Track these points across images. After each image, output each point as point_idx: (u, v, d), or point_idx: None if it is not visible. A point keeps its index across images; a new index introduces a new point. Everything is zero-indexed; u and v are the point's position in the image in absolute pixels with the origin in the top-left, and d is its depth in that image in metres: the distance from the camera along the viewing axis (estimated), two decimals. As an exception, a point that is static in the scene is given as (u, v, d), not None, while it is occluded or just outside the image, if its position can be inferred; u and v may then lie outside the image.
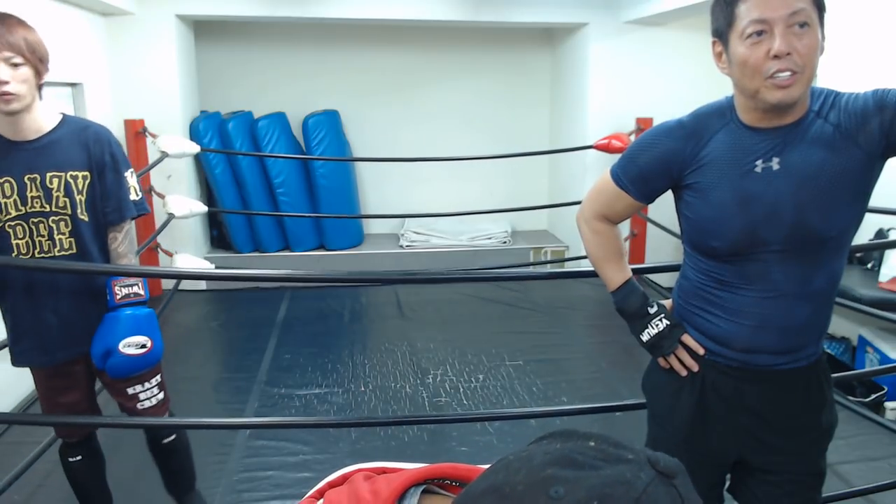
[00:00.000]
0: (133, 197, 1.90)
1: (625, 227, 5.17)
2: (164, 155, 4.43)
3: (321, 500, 0.59)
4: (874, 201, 1.28)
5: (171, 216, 4.49)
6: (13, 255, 1.78)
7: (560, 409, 2.62)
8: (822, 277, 1.26)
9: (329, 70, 5.76)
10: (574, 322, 4.54)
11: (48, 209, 1.78)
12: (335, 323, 4.47)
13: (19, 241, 1.78)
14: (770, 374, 1.30)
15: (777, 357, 1.29)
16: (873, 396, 3.16)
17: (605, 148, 4.91)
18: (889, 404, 3.12)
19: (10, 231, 1.77)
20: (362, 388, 3.45)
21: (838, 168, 1.20)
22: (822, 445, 1.38)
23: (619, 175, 1.38)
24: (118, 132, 4.69)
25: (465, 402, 3.31)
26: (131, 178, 1.91)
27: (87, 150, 1.80)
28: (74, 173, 1.79)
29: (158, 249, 4.80)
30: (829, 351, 3.51)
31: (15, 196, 1.74)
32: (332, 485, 0.62)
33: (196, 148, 4.62)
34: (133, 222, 1.96)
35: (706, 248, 1.30)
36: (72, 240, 1.84)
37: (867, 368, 3.19)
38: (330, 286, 5.03)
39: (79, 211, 1.81)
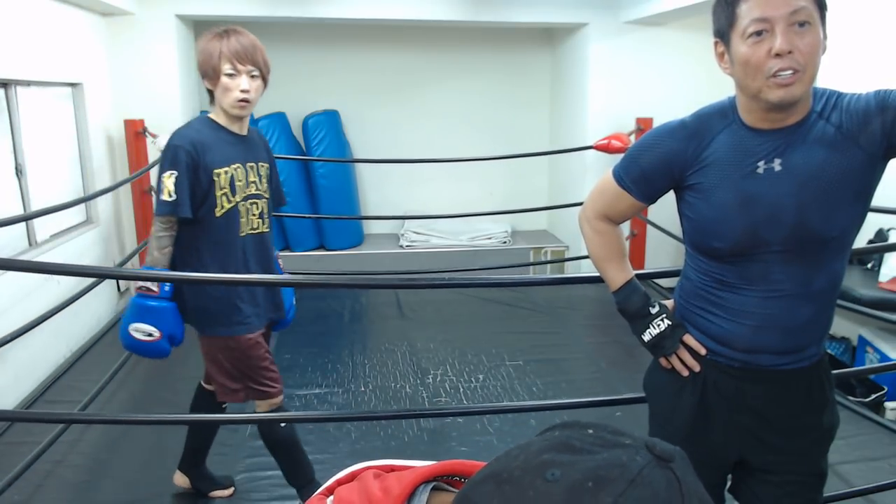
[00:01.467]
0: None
1: (625, 228, 5.17)
2: (164, 155, 4.43)
3: (331, 497, 0.59)
4: (874, 201, 1.28)
5: (171, 216, 4.48)
6: (240, 232, 2.07)
7: (558, 402, 2.60)
8: (824, 278, 1.26)
9: (329, 70, 5.76)
10: (574, 322, 4.54)
11: (259, 192, 2.11)
12: (335, 323, 4.46)
13: (242, 220, 2.07)
14: (772, 374, 1.30)
15: (779, 357, 1.29)
16: (873, 396, 3.16)
17: (605, 148, 4.91)
18: (889, 404, 3.12)
19: (242, 209, 2.06)
20: (362, 388, 3.45)
21: (840, 169, 1.19)
22: (824, 446, 1.38)
23: (621, 175, 1.38)
24: (118, 132, 4.69)
25: (465, 401, 3.31)
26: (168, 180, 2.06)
27: (264, 147, 2.20)
28: (264, 164, 2.15)
29: (158, 249, 4.79)
30: (829, 351, 3.51)
31: (245, 179, 2.06)
32: (341, 482, 0.63)
33: (196, 148, 4.61)
34: (158, 218, 2.11)
35: (708, 249, 1.30)
36: (268, 220, 2.16)
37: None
38: (329, 287, 5.03)
39: (268, 196, 2.16)
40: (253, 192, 2.08)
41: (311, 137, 5.35)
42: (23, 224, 3.56)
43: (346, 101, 5.73)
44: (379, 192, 5.97)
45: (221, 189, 2.01)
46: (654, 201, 1.40)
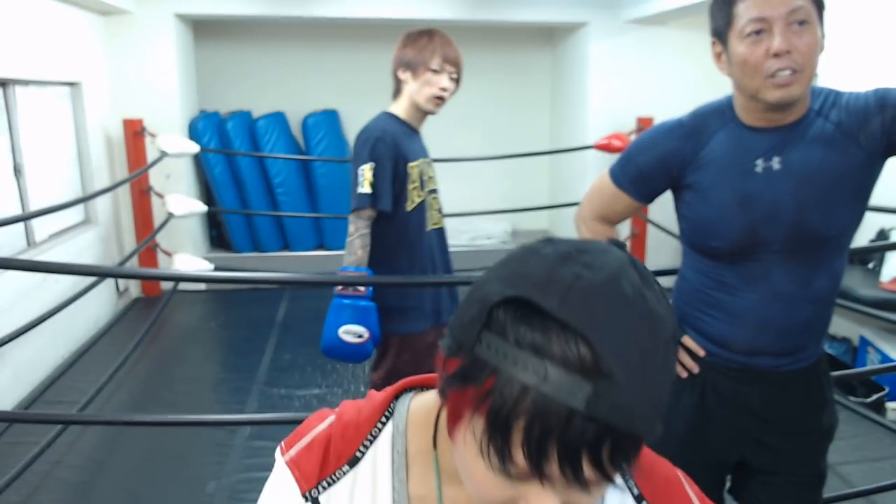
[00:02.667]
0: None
1: (625, 228, 5.16)
2: (163, 154, 4.42)
3: (332, 417, 0.67)
4: (874, 201, 1.27)
5: (170, 216, 4.49)
6: (426, 226, 2.07)
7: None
8: (823, 277, 1.25)
9: (329, 70, 5.75)
10: (574, 322, 4.52)
11: (436, 187, 2.14)
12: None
13: (427, 214, 2.08)
14: (770, 375, 1.30)
15: (777, 358, 1.28)
16: (874, 397, 3.15)
17: (606, 148, 4.90)
18: (890, 404, 3.11)
19: (429, 203, 2.08)
20: (362, 388, 3.44)
21: (839, 167, 1.19)
22: (823, 446, 1.37)
23: (618, 175, 1.37)
24: (117, 132, 4.69)
25: (464, 402, 3.30)
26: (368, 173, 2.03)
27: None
28: (429, 160, 2.13)
29: (157, 249, 4.79)
30: (829, 351, 3.50)
31: (428, 174, 2.08)
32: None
33: (195, 147, 4.61)
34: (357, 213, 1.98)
35: (706, 249, 1.30)
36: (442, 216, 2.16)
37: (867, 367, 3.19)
38: (330, 286, 5.02)
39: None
40: (433, 186, 2.11)
41: (310, 137, 5.34)
42: (21, 224, 3.56)
43: (345, 100, 5.72)
44: (379, 191, 5.96)
45: (413, 183, 2.00)
46: (651, 201, 1.39)
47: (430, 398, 0.65)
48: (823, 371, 1.35)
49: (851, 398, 3.18)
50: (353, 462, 0.63)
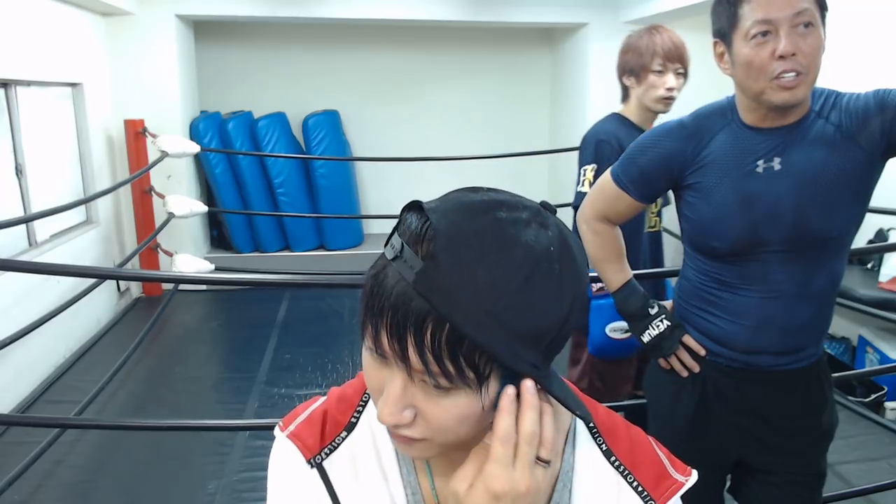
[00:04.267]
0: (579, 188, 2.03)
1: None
2: (164, 155, 4.43)
3: (325, 397, 0.71)
4: (874, 201, 1.28)
5: (171, 216, 4.49)
6: (642, 229, 2.04)
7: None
8: (823, 278, 1.26)
9: (329, 70, 5.75)
10: (574, 322, 4.53)
11: None
12: (335, 323, 4.46)
13: (644, 216, 2.03)
14: (771, 374, 1.30)
15: (778, 358, 1.29)
16: (873, 396, 3.15)
17: (605, 148, 4.90)
18: (889, 404, 3.12)
19: (647, 207, 2.04)
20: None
21: (839, 168, 1.19)
22: (823, 446, 1.38)
23: (619, 175, 1.37)
24: (118, 132, 4.69)
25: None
26: (589, 173, 2.04)
27: None
28: None
29: (158, 249, 4.80)
30: (829, 351, 3.51)
31: None
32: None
33: (196, 148, 4.62)
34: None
35: (707, 249, 1.30)
36: (660, 219, 2.11)
37: (867, 368, 3.19)
38: (330, 287, 5.02)
39: None
40: None
41: (310, 137, 5.35)
42: (23, 224, 3.56)
43: (345, 100, 5.73)
44: (379, 191, 5.97)
45: None
46: (652, 202, 1.40)
47: None
48: (824, 371, 1.35)
49: (850, 398, 3.18)
50: (350, 427, 0.67)
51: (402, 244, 0.53)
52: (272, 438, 0.70)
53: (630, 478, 0.66)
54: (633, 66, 2.02)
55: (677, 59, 1.97)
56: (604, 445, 0.67)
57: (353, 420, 0.68)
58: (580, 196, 1.97)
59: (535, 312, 0.52)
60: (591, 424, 0.67)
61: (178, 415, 3.09)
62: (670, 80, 1.96)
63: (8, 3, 3.38)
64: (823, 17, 1.16)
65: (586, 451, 0.67)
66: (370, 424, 0.68)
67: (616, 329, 1.93)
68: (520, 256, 0.51)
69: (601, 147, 2.01)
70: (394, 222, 0.59)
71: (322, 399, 0.71)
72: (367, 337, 0.55)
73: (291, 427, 0.68)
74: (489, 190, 0.58)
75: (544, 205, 0.58)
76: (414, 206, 0.56)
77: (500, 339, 0.51)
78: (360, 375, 0.70)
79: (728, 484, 1.47)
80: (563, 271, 0.53)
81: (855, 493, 2.17)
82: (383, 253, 0.56)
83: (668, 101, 2.00)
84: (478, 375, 0.52)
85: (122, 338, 4.04)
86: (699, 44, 5.67)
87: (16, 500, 2.43)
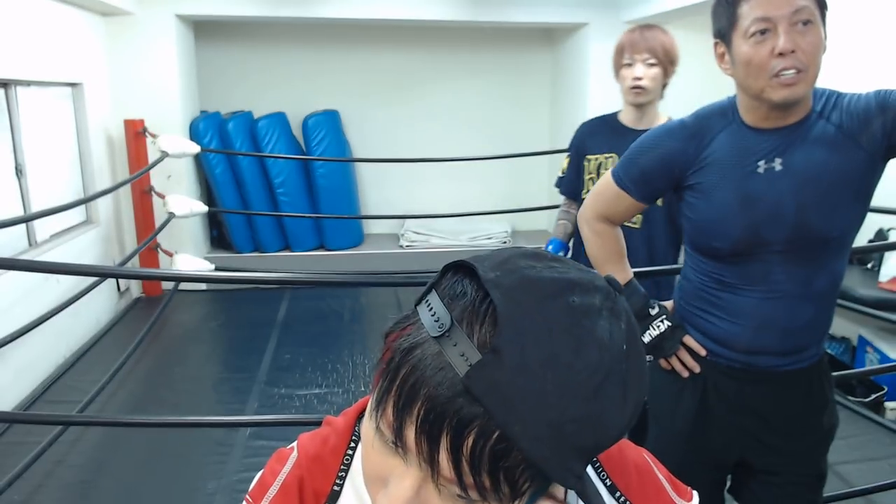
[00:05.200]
0: None
1: (625, 227, 5.16)
2: (164, 155, 4.43)
3: (294, 443, 0.64)
4: (874, 201, 1.28)
5: (171, 216, 4.49)
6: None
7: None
8: (824, 278, 1.26)
9: (329, 70, 5.75)
10: (574, 322, 4.52)
11: None
12: (335, 323, 4.46)
13: None
14: (772, 375, 1.30)
15: (779, 358, 1.29)
16: (873, 396, 3.15)
17: (606, 148, 4.90)
18: (889, 404, 3.12)
19: None
20: (362, 388, 3.44)
21: (840, 169, 1.19)
22: (824, 447, 1.38)
23: (620, 175, 1.37)
24: (118, 132, 4.69)
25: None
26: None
27: None
28: None
29: (158, 249, 4.80)
30: (828, 351, 3.51)
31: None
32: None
33: (196, 148, 4.61)
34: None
35: (708, 249, 1.30)
36: (641, 217, 2.08)
37: (867, 367, 3.19)
38: (330, 286, 5.03)
39: None
40: None
41: (310, 137, 5.35)
42: (23, 224, 3.56)
43: (345, 100, 5.72)
44: (379, 191, 5.97)
45: (589, 174, 2.14)
46: (654, 202, 1.40)
47: None
48: (825, 371, 1.35)
49: (850, 398, 3.18)
50: (334, 498, 0.59)
51: (452, 321, 0.44)
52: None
53: None
54: (614, 66, 2.11)
55: (644, 50, 1.99)
56: (608, 480, 0.63)
57: (336, 488, 0.60)
58: (557, 181, 2.27)
59: (600, 425, 0.44)
60: (596, 459, 0.63)
61: (179, 415, 3.09)
62: (637, 70, 2.00)
63: (8, 3, 3.38)
64: (823, 15, 1.15)
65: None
66: (356, 492, 0.59)
67: None
68: (595, 359, 0.43)
69: (573, 138, 2.24)
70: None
71: (291, 460, 0.62)
72: (383, 421, 0.46)
73: (264, 502, 0.59)
74: (553, 259, 0.48)
75: (611, 282, 0.49)
76: (464, 268, 0.47)
77: (557, 455, 0.43)
78: (335, 425, 0.63)
79: (729, 484, 1.47)
80: (631, 374, 0.45)
81: (855, 493, 2.17)
82: (418, 319, 0.46)
83: (636, 90, 2.03)
84: (514, 492, 0.44)
85: (122, 338, 4.04)
86: (699, 44, 5.67)
87: (16, 499, 2.43)
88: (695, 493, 0.67)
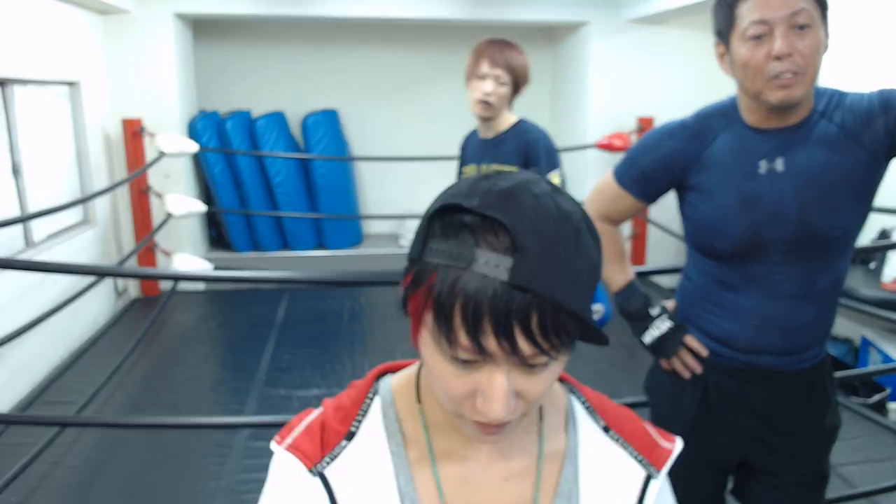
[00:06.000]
0: None
1: (626, 228, 5.16)
2: (163, 154, 4.42)
3: (320, 408, 0.72)
4: (877, 201, 1.27)
5: (169, 216, 4.48)
6: None
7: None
8: (827, 278, 1.25)
9: (328, 70, 5.74)
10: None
11: None
12: (334, 323, 4.45)
13: None
14: (774, 375, 1.29)
15: (781, 358, 1.28)
16: (876, 397, 3.14)
17: (606, 147, 4.90)
18: (892, 405, 3.11)
19: None
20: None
21: (843, 169, 1.18)
22: (826, 447, 1.37)
23: (621, 175, 1.37)
24: (116, 131, 4.68)
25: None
26: (555, 179, 2.13)
27: (522, 148, 2.15)
28: (506, 168, 2.13)
29: (156, 249, 4.79)
30: (831, 352, 3.50)
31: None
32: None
33: (194, 147, 4.60)
34: None
35: (709, 249, 1.29)
36: None
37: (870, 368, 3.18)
38: (329, 286, 5.01)
39: None
40: None
41: (310, 137, 5.33)
42: (20, 224, 3.55)
43: (345, 100, 5.71)
44: (378, 191, 5.96)
45: None
46: (654, 201, 1.39)
47: (408, 371, 0.73)
48: (827, 372, 1.35)
49: (853, 399, 3.17)
50: (350, 436, 0.68)
51: (472, 247, 0.54)
52: (272, 439, 0.70)
53: (629, 448, 0.71)
54: (467, 71, 2.17)
55: (502, 67, 2.11)
56: (601, 421, 0.72)
57: (353, 430, 0.68)
58: None
59: (592, 265, 0.57)
60: (587, 403, 0.73)
61: (177, 416, 3.08)
62: (487, 85, 2.10)
63: (5, 2, 3.36)
64: (824, 16, 1.14)
65: (587, 427, 0.72)
66: (370, 433, 0.68)
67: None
68: (573, 223, 0.56)
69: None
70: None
71: (317, 411, 0.71)
72: (459, 351, 0.55)
73: (289, 440, 0.68)
74: (497, 174, 0.59)
75: (536, 171, 0.63)
76: (448, 210, 0.57)
77: (586, 300, 0.56)
78: (356, 385, 0.72)
79: (730, 485, 1.46)
80: (587, 222, 0.58)
81: (858, 494, 2.16)
82: (436, 265, 0.55)
83: (482, 105, 2.13)
84: (570, 338, 0.56)
85: (120, 338, 4.03)
86: (700, 43, 5.66)
87: (13, 501, 2.42)
88: (678, 438, 0.74)
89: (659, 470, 0.70)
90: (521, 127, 2.18)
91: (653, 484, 0.70)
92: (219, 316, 4.62)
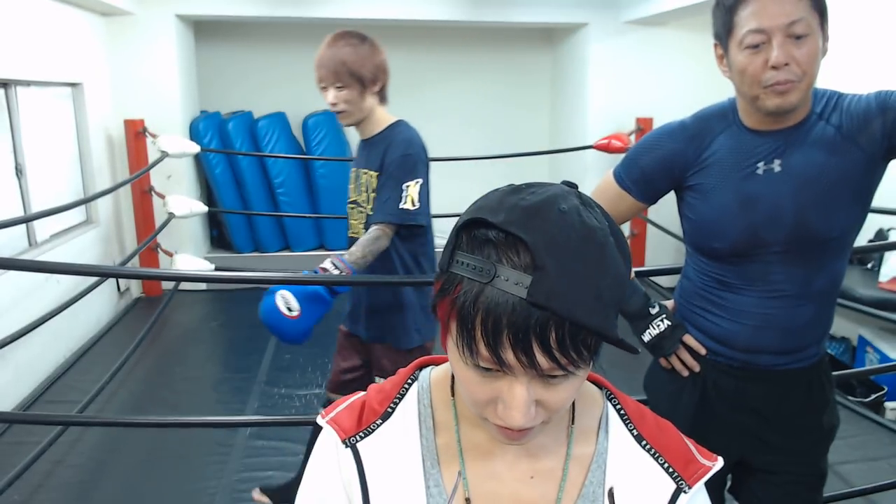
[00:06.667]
0: (403, 205, 1.91)
1: (625, 228, 5.17)
2: (164, 155, 4.43)
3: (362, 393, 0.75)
4: (874, 201, 1.28)
5: (171, 216, 4.49)
6: (348, 234, 2.15)
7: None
8: (824, 278, 1.26)
9: (329, 70, 5.74)
10: (574, 322, 4.52)
11: (358, 199, 2.07)
12: (335, 323, 4.44)
13: (351, 222, 2.11)
14: (772, 374, 1.30)
15: (779, 357, 1.29)
16: (873, 396, 3.16)
17: (606, 148, 4.90)
18: (889, 404, 3.12)
19: (349, 212, 2.11)
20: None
21: (840, 170, 1.19)
22: (824, 446, 1.38)
23: (621, 176, 1.38)
24: (118, 132, 4.69)
25: (465, 402, 3.30)
26: (413, 187, 1.92)
27: (383, 154, 1.95)
28: (371, 173, 1.99)
29: (158, 249, 4.80)
30: (829, 351, 3.51)
31: (352, 184, 2.09)
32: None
33: (196, 148, 4.61)
34: (390, 228, 1.94)
35: (708, 249, 1.30)
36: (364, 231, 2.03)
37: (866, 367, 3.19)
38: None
39: (368, 207, 2.01)
40: (353, 198, 2.08)
41: (311, 137, 5.35)
42: (23, 224, 3.56)
43: (346, 101, 5.71)
44: (379, 191, 5.96)
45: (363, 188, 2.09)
46: (654, 202, 1.40)
47: (446, 366, 0.75)
48: (825, 371, 1.36)
49: (850, 398, 3.18)
50: (386, 416, 0.71)
51: (494, 263, 0.55)
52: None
53: (661, 460, 0.71)
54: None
55: (330, 75, 1.89)
56: (634, 430, 0.72)
57: (390, 410, 0.72)
58: (405, 214, 1.91)
59: (617, 280, 0.57)
60: (623, 411, 0.74)
61: (179, 415, 3.09)
62: (329, 95, 1.92)
63: (8, 3, 3.38)
64: (823, 23, 1.15)
65: (618, 435, 0.72)
66: (404, 416, 0.72)
67: (284, 297, 1.89)
68: (597, 239, 0.56)
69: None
70: None
71: (362, 393, 0.76)
72: (481, 360, 0.57)
73: (332, 414, 0.73)
74: (528, 186, 0.61)
75: (570, 184, 0.63)
76: (475, 224, 0.59)
77: (608, 316, 0.56)
78: (399, 372, 0.76)
79: (728, 484, 1.47)
80: (617, 237, 0.59)
81: (855, 493, 2.17)
82: (462, 278, 0.57)
83: (338, 115, 1.96)
84: (590, 353, 0.57)
85: (122, 338, 4.04)
86: (699, 44, 5.66)
87: (16, 499, 2.43)
88: (719, 458, 0.74)
89: (691, 485, 0.70)
90: (390, 130, 1.98)
91: (682, 498, 0.69)
92: (220, 315, 4.63)
